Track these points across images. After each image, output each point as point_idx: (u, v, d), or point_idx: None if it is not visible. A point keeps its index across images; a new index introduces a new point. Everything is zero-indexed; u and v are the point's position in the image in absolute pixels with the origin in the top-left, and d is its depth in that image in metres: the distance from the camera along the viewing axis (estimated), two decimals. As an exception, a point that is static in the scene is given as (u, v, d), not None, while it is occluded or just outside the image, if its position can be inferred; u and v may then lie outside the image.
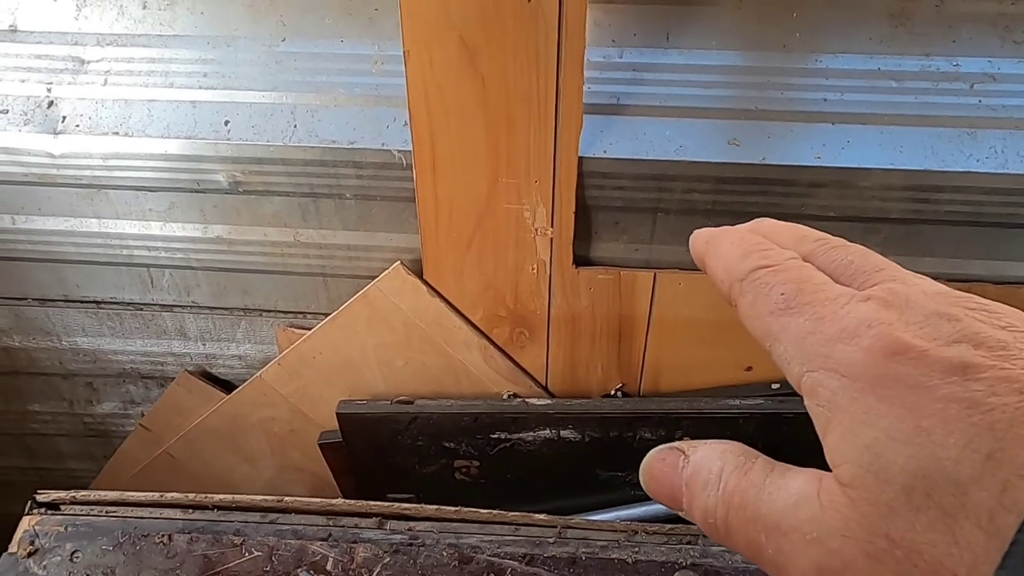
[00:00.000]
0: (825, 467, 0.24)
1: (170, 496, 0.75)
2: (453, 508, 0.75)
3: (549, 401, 1.04)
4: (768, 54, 0.86)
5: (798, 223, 0.30)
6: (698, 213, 0.89)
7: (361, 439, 1.07)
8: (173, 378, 1.15)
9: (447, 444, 1.07)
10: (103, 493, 0.76)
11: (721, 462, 0.26)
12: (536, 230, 0.91)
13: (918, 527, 0.20)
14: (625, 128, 0.86)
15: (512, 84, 0.79)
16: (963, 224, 0.88)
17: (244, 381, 1.11)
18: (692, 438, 0.30)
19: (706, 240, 0.30)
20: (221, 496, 0.75)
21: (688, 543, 0.71)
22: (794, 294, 0.25)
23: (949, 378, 0.21)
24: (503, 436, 1.05)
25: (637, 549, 0.71)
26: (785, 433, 1.00)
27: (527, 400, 1.04)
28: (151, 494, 0.76)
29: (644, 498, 1.11)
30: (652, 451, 0.29)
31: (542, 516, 0.75)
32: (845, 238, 0.28)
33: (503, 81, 0.79)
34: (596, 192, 0.88)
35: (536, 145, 0.83)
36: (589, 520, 0.76)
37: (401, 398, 1.05)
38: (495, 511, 0.74)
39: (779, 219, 0.31)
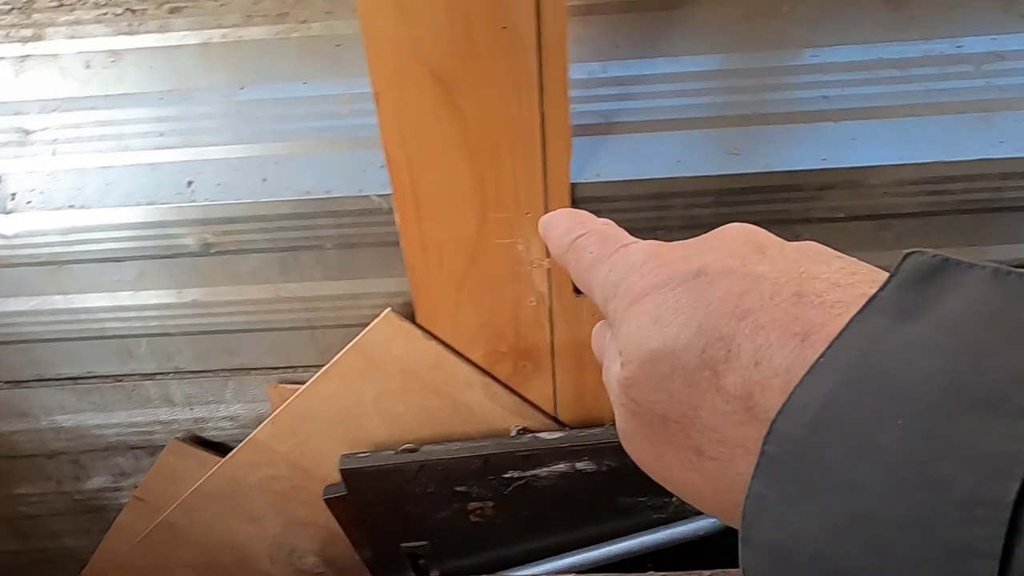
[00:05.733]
0: None
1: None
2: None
3: (561, 434, 0.99)
4: (761, 54, 0.81)
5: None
6: (702, 227, 0.83)
7: (369, 493, 1.01)
8: (163, 446, 1.09)
9: (459, 488, 1.01)
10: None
11: None
12: (532, 262, 0.85)
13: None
14: (617, 147, 0.80)
15: (493, 116, 0.74)
16: (979, 212, 0.83)
17: (237, 442, 1.05)
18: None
19: (544, 224, 0.36)
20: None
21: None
22: (599, 249, 0.31)
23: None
24: (516, 475, 1.00)
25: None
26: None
27: (538, 435, 0.99)
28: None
29: (666, 522, 1.07)
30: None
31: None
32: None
33: (483, 114, 0.74)
34: (592, 217, 0.83)
35: (524, 176, 0.78)
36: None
37: (406, 446, 0.99)
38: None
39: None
